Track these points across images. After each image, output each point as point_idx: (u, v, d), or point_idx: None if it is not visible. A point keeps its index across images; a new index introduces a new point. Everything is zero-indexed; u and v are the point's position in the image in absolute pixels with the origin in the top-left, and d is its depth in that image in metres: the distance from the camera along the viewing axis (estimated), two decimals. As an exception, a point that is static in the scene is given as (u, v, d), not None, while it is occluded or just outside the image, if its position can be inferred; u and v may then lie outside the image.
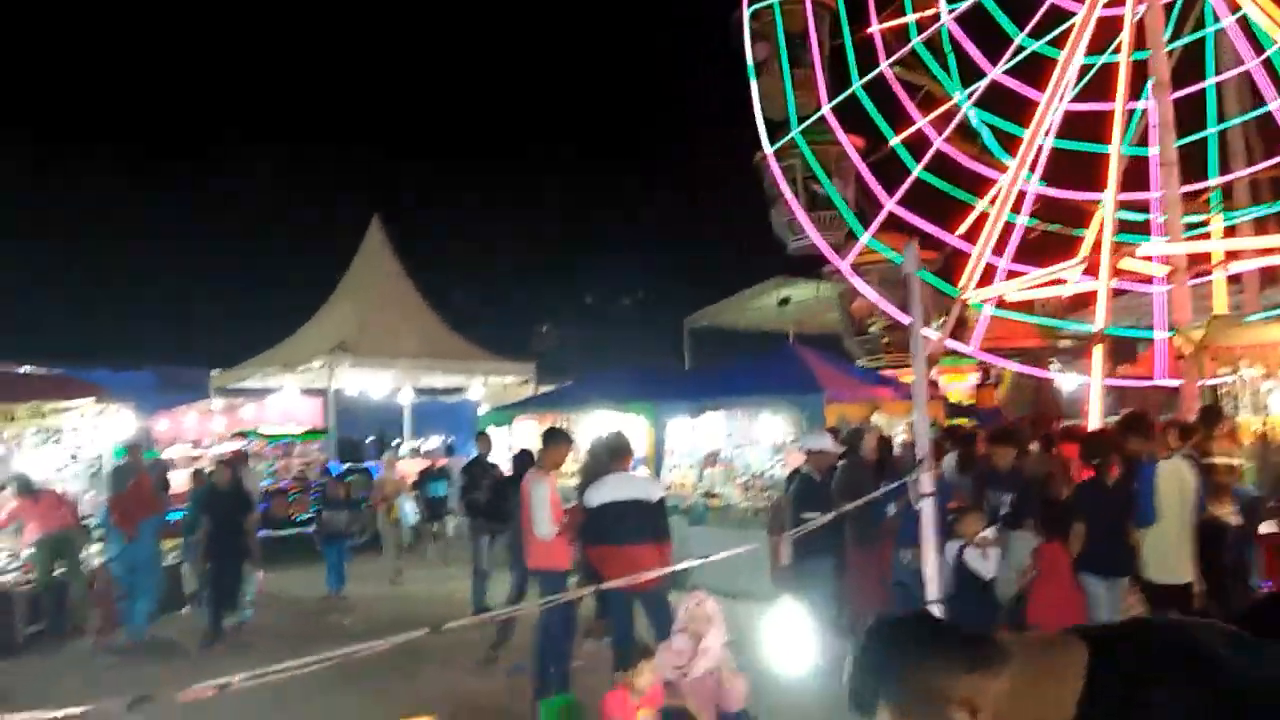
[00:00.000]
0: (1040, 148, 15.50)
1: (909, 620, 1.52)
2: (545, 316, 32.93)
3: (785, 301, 22.62)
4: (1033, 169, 15.63)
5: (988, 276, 15.38)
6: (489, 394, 20.12)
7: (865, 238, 16.97)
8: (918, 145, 17.01)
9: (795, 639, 4.59)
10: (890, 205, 16.91)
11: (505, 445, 13.02)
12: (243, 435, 16.13)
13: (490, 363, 19.39)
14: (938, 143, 16.87)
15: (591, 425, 12.46)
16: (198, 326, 35.31)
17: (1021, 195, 15.80)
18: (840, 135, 17.63)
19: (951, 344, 15.96)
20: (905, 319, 14.37)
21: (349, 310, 18.22)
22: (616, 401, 12.76)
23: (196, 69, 57.75)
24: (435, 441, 20.24)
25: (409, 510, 13.91)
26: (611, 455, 6.80)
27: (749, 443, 12.40)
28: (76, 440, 12.66)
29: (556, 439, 7.22)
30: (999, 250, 15.60)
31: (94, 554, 9.99)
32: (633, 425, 11.79)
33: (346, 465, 15.87)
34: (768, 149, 18.34)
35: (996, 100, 16.66)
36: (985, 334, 15.61)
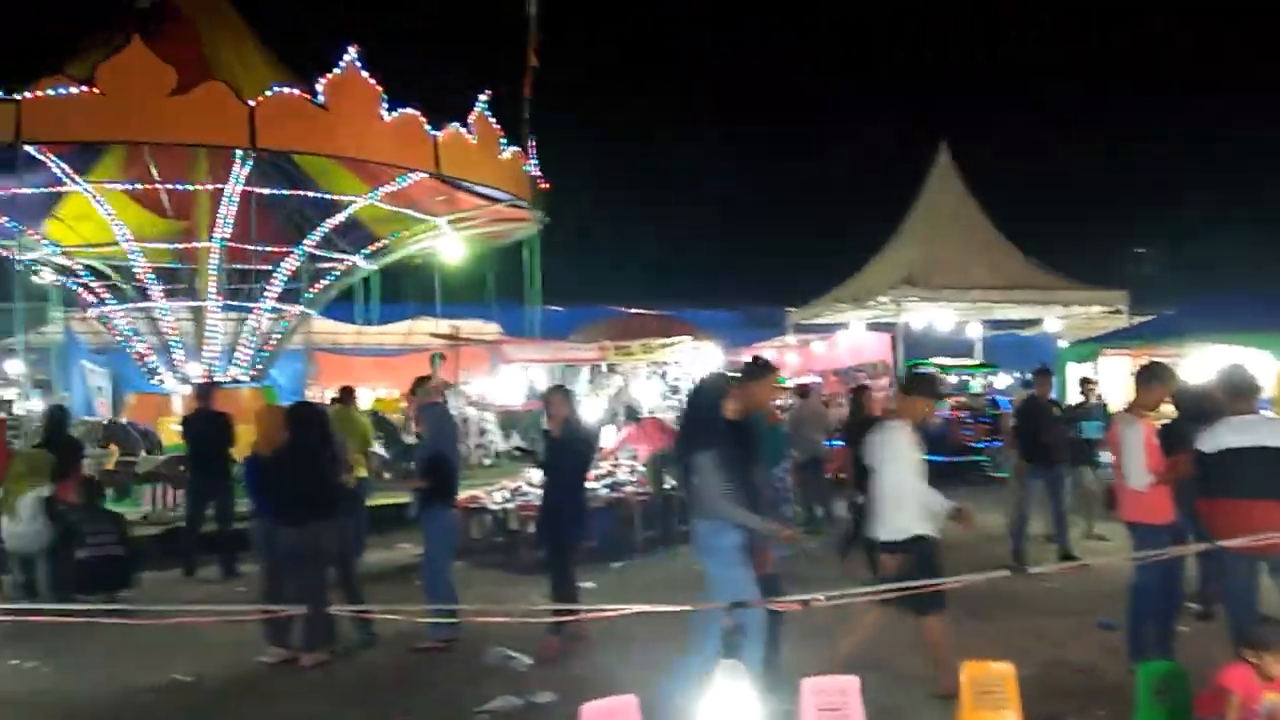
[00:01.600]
0: None
1: None
2: (1141, 239, 29.18)
3: None
4: None
5: None
6: (1070, 326, 18.54)
7: None
8: None
9: None
10: None
11: (1086, 383, 11.85)
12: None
13: (1071, 291, 17.80)
14: None
15: (1198, 360, 10.78)
16: (780, 267, 37.73)
17: None
18: None
19: None
20: None
21: (916, 242, 18.02)
22: (1231, 332, 10.84)
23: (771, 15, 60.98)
24: (1005, 379, 19.20)
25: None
26: (1232, 393, 5.73)
27: None
28: (675, 373, 14.43)
29: (1156, 376, 6.32)
30: None
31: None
32: (1253, 360, 9.92)
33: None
34: None
35: None
36: None
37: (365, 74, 11.86)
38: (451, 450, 7.48)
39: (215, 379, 13.45)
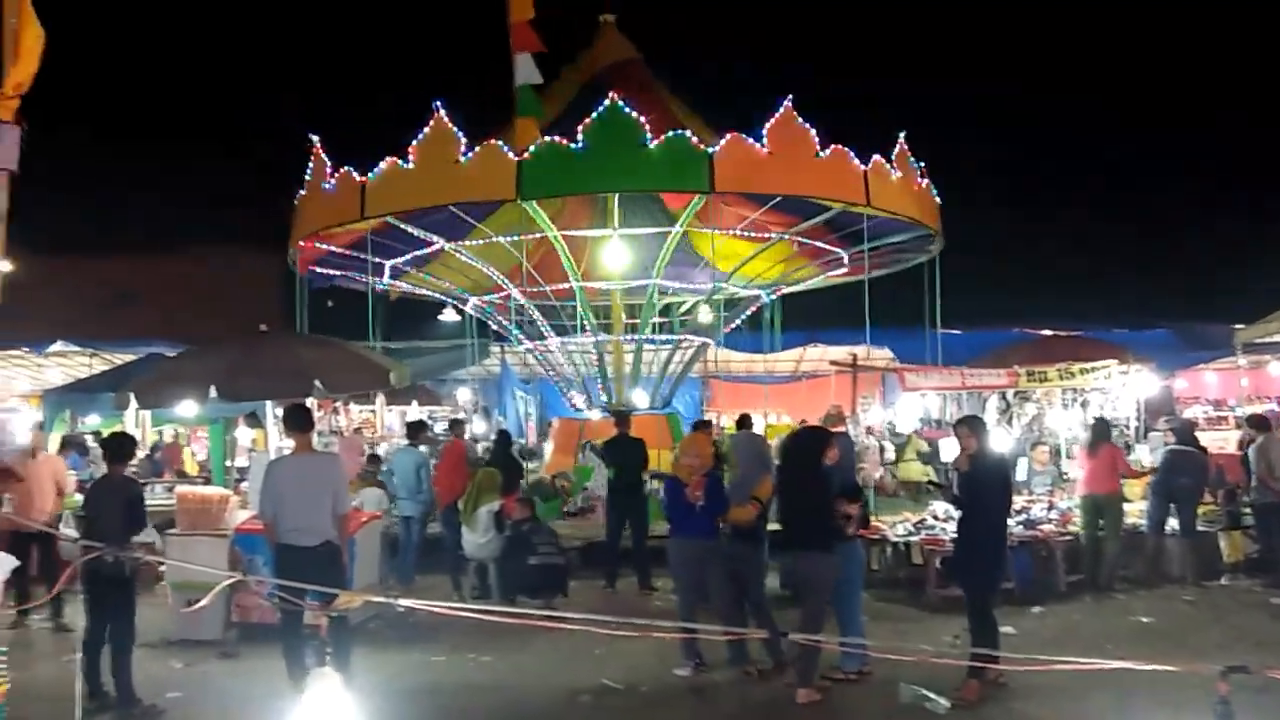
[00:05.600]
0: None
1: None
2: None
3: None
4: None
5: None
6: None
7: None
8: None
9: None
10: None
11: None
12: None
13: None
14: None
15: None
16: (1221, 279, 32.93)
17: None
18: None
19: None
20: None
21: None
22: None
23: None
24: None
25: None
26: None
27: None
28: (1099, 401, 13.08)
29: None
30: None
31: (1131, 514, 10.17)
32: None
33: None
34: None
35: None
36: None
37: (799, 119, 12.21)
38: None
39: (629, 406, 14.46)
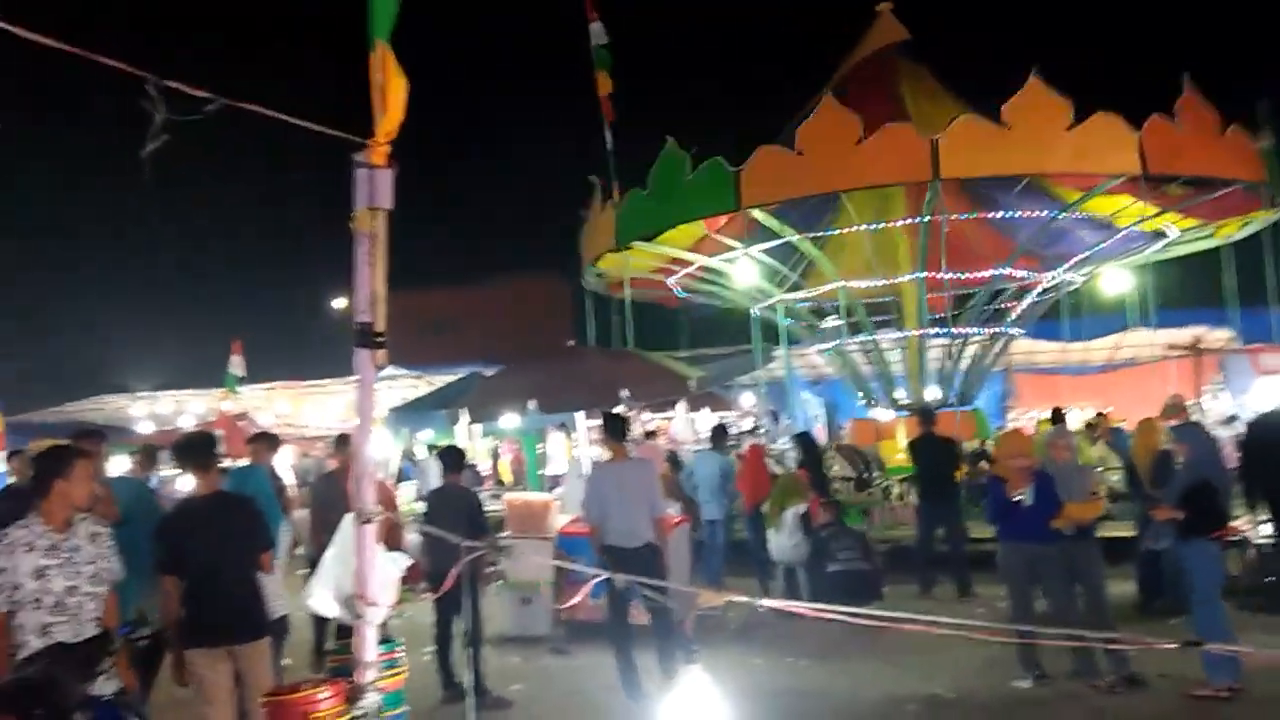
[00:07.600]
0: None
1: None
2: None
3: None
4: None
5: None
6: None
7: None
8: None
9: None
10: None
11: None
12: None
13: None
14: None
15: None
16: None
17: None
18: None
19: None
20: None
21: None
22: None
23: None
24: None
25: None
26: None
27: None
28: None
29: None
30: None
31: None
32: None
33: None
34: None
35: None
36: None
37: (1049, 90, 11.38)
38: (1216, 474, 6.58)
39: (931, 404, 13.86)
